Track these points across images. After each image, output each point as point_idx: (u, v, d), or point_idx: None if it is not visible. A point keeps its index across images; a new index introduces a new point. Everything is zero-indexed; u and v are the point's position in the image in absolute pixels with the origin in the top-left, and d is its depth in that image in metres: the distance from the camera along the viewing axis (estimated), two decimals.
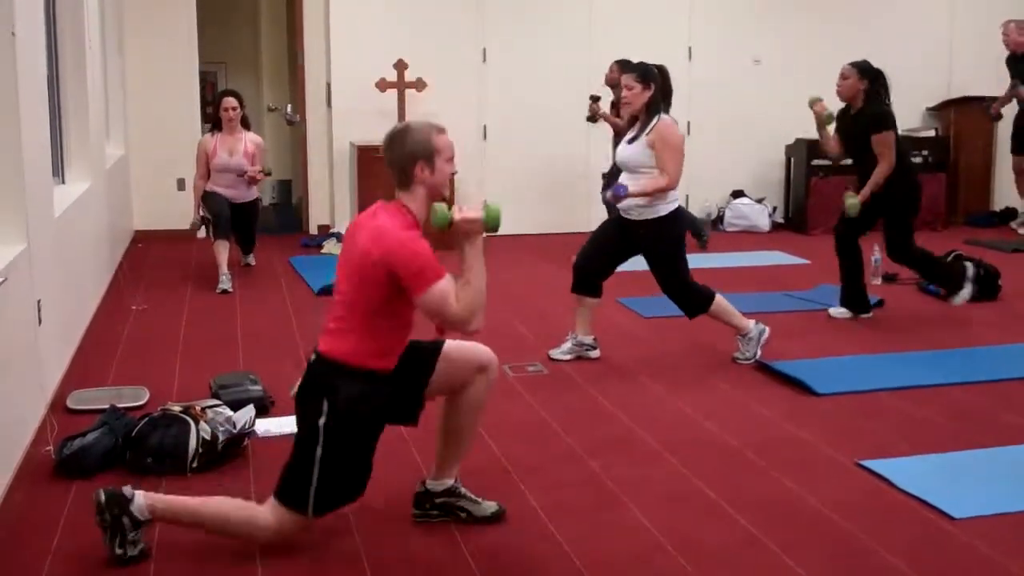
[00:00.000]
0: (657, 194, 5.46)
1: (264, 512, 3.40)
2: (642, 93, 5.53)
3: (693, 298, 5.64)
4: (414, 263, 3.28)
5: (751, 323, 5.71)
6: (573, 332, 5.85)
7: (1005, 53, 9.64)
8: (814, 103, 6.55)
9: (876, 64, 6.50)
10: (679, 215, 5.63)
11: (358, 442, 3.41)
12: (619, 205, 5.57)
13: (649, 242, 5.59)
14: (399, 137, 3.44)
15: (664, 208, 5.51)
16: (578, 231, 9.81)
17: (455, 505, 3.68)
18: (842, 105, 6.58)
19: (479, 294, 3.36)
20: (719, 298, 5.65)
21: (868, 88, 6.42)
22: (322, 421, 3.33)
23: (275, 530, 3.39)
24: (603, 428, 4.72)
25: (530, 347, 6.04)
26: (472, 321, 3.35)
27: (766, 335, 5.71)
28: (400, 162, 3.42)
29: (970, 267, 6.86)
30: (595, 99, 8.70)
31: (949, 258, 7.34)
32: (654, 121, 5.50)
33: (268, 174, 8.19)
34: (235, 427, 4.26)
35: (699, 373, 5.57)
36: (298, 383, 3.47)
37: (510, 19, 9.91)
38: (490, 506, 3.70)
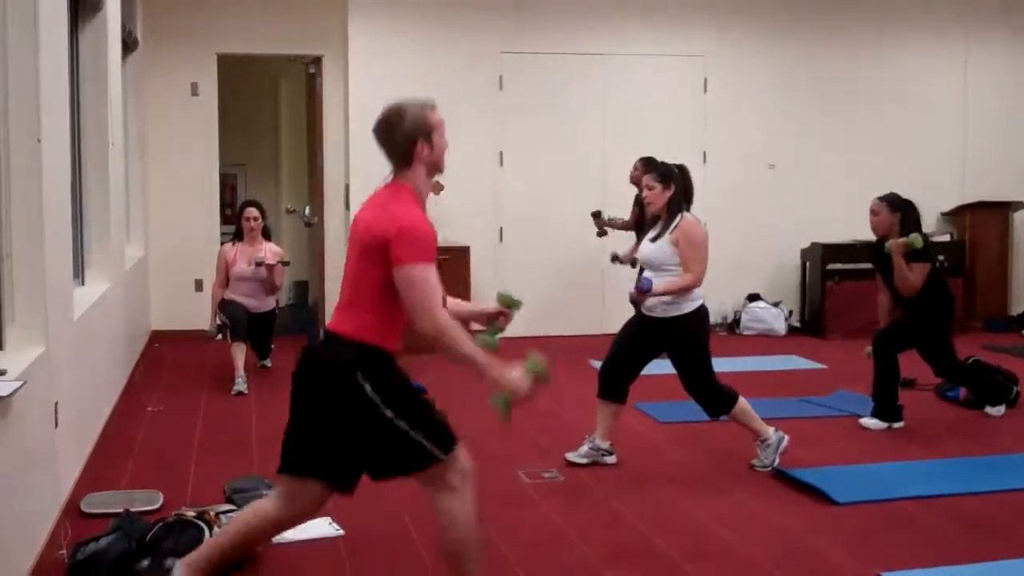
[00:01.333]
0: (682, 292, 5.48)
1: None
2: (663, 193, 5.61)
3: (717, 397, 5.61)
4: (413, 235, 3.32)
5: (771, 430, 5.67)
6: (591, 435, 5.81)
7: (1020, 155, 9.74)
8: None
9: (899, 191, 6.71)
10: (703, 313, 5.63)
11: (405, 387, 3.45)
12: (643, 304, 5.59)
13: (674, 340, 5.60)
14: (395, 119, 3.48)
15: (688, 305, 5.54)
16: (595, 333, 9.84)
17: None
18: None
19: (461, 347, 3.31)
20: (742, 400, 5.63)
21: (902, 219, 6.56)
22: (368, 389, 3.35)
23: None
24: (619, 537, 4.66)
25: (545, 452, 6.00)
26: (432, 329, 3.29)
27: (785, 442, 5.67)
28: (401, 144, 3.47)
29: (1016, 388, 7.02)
30: (596, 215, 8.82)
31: (968, 364, 7.32)
32: (677, 219, 5.56)
33: (286, 263, 8.25)
34: None
35: (716, 481, 5.51)
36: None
37: (526, 123, 10.03)
38: None
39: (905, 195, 6.69)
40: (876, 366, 6.65)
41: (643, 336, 5.69)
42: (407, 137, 3.45)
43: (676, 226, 5.55)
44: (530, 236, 10.07)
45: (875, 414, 6.66)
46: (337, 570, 4.23)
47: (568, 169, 10.10)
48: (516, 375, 3.34)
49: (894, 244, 6.49)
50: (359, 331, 3.40)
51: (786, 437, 5.68)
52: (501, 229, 10.08)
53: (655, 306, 5.58)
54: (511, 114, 10.03)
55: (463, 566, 3.50)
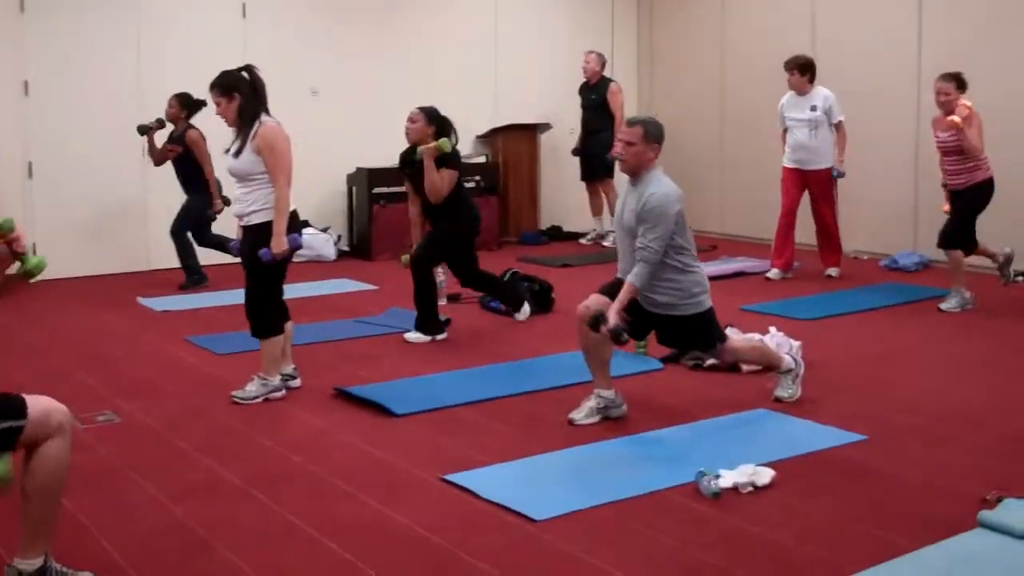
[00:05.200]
0: (281, 209, 5.39)
1: None
2: (229, 105, 5.48)
3: (264, 321, 5.59)
4: None
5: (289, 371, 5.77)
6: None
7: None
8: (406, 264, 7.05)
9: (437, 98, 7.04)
10: (291, 221, 5.52)
11: None
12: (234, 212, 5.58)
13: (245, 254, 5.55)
14: None
15: (257, 217, 5.45)
16: (142, 270, 9.47)
17: None
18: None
19: None
20: (289, 326, 5.77)
21: (436, 133, 6.88)
22: None
23: None
24: (185, 473, 4.55)
25: (98, 396, 5.72)
26: None
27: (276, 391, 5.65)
28: None
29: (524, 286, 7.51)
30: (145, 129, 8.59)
31: (507, 276, 7.82)
32: (255, 127, 5.43)
33: None
34: None
35: (278, 405, 5.51)
36: None
37: (51, 48, 9.31)
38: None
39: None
40: (415, 282, 6.93)
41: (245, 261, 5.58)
42: None
43: (256, 133, 5.41)
44: (64, 172, 9.39)
45: (418, 328, 6.93)
46: None
47: (101, 100, 9.51)
48: None
49: (425, 148, 6.81)
50: None
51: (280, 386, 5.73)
52: (30, 164, 9.33)
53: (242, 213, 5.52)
54: (34, 37, 9.25)
55: (49, 508, 3.29)
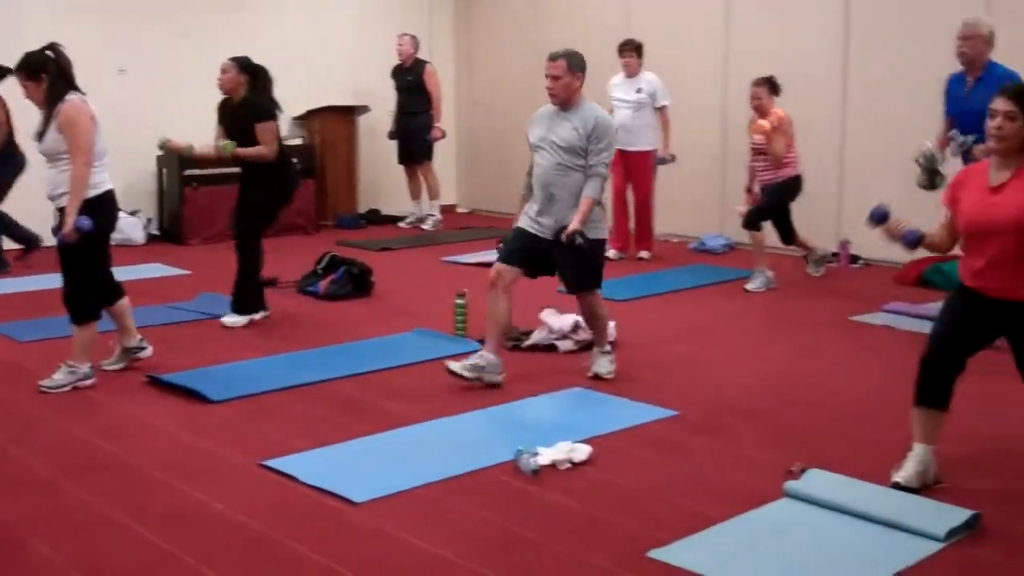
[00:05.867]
0: (79, 185, 5.19)
1: None
2: (38, 88, 5.28)
3: (81, 305, 5.41)
4: None
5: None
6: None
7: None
8: (165, 144, 6.89)
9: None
10: (104, 201, 5.38)
11: None
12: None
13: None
14: None
15: (92, 192, 5.27)
16: None
17: None
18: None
19: None
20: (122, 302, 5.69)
21: (250, 81, 6.70)
22: None
23: None
24: None
25: None
26: None
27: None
28: None
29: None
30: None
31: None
32: (59, 106, 5.22)
33: None
34: None
35: (89, 394, 5.35)
36: None
37: None
38: None
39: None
40: (240, 256, 6.75)
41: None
42: None
43: (59, 111, 5.21)
44: None
45: (234, 309, 6.80)
46: None
47: None
48: None
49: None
50: None
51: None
52: None
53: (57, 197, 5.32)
54: None
55: None
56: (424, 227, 11.04)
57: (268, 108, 6.69)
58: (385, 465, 4.40)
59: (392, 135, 11.24)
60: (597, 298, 5.64)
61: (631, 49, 8.97)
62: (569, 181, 5.43)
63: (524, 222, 5.59)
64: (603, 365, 5.64)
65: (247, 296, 6.81)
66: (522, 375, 5.69)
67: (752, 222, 7.92)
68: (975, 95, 5.88)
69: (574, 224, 5.32)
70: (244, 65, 6.72)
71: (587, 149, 5.40)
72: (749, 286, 7.93)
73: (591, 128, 5.40)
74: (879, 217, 4.17)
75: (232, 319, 6.78)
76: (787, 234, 8.18)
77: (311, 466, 4.32)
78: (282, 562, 3.51)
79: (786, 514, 3.88)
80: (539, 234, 5.50)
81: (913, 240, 4.12)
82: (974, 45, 6.11)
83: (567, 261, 5.51)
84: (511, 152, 11.18)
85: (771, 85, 7.74)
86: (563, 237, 5.33)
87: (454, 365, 5.39)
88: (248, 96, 6.69)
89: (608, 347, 5.69)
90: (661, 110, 9.00)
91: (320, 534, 3.70)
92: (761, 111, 7.72)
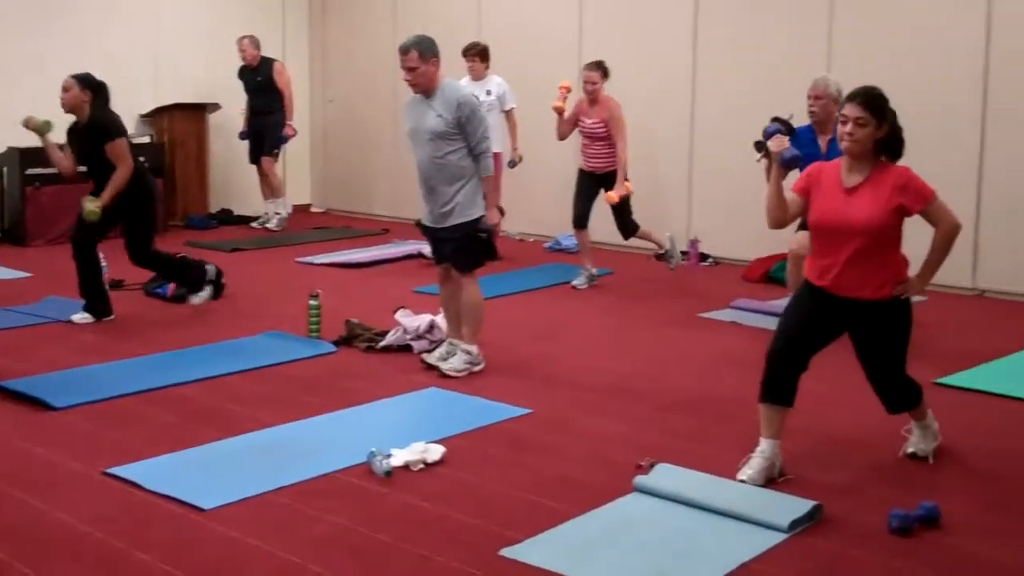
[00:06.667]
0: None
1: None
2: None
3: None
4: None
5: None
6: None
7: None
8: (27, 122, 6.77)
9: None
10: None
11: None
12: None
13: None
14: None
15: None
16: None
17: None
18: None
19: None
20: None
21: (93, 99, 6.60)
22: None
23: None
24: None
25: None
26: None
27: None
28: None
29: (212, 269, 7.19)
30: None
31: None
32: None
33: None
34: None
35: None
36: None
37: None
38: None
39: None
40: (78, 264, 6.68)
41: None
42: None
43: None
44: None
45: (86, 309, 6.76)
46: None
47: None
48: None
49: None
50: None
51: None
52: None
53: None
54: None
55: None
56: (269, 227, 10.87)
57: (116, 124, 6.65)
58: (234, 470, 4.32)
59: (243, 135, 11.05)
60: (468, 282, 5.71)
61: (475, 54, 8.97)
62: (446, 172, 5.54)
63: (424, 216, 5.80)
64: (456, 362, 5.66)
65: (94, 299, 6.76)
66: (376, 377, 5.66)
67: (578, 222, 8.08)
68: (831, 154, 5.97)
69: (490, 216, 5.71)
70: (86, 82, 6.63)
71: (462, 133, 5.49)
72: (576, 283, 8.10)
73: (455, 110, 5.46)
74: (770, 133, 4.33)
75: (81, 316, 6.74)
76: (627, 228, 8.21)
77: (157, 473, 4.21)
78: (126, 571, 3.41)
79: (636, 509, 3.95)
80: (433, 225, 5.70)
81: (791, 158, 4.24)
82: (824, 105, 6.32)
83: (449, 242, 5.68)
84: (367, 151, 11.11)
85: (603, 70, 7.85)
86: (478, 230, 5.62)
87: (429, 358, 5.70)
88: (94, 115, 6.61)
89: (467, 345, 5.71)
90: (509, 113, 9.03)
91: (166, 542, 3.61)
92: (594, 95, 7.85)
